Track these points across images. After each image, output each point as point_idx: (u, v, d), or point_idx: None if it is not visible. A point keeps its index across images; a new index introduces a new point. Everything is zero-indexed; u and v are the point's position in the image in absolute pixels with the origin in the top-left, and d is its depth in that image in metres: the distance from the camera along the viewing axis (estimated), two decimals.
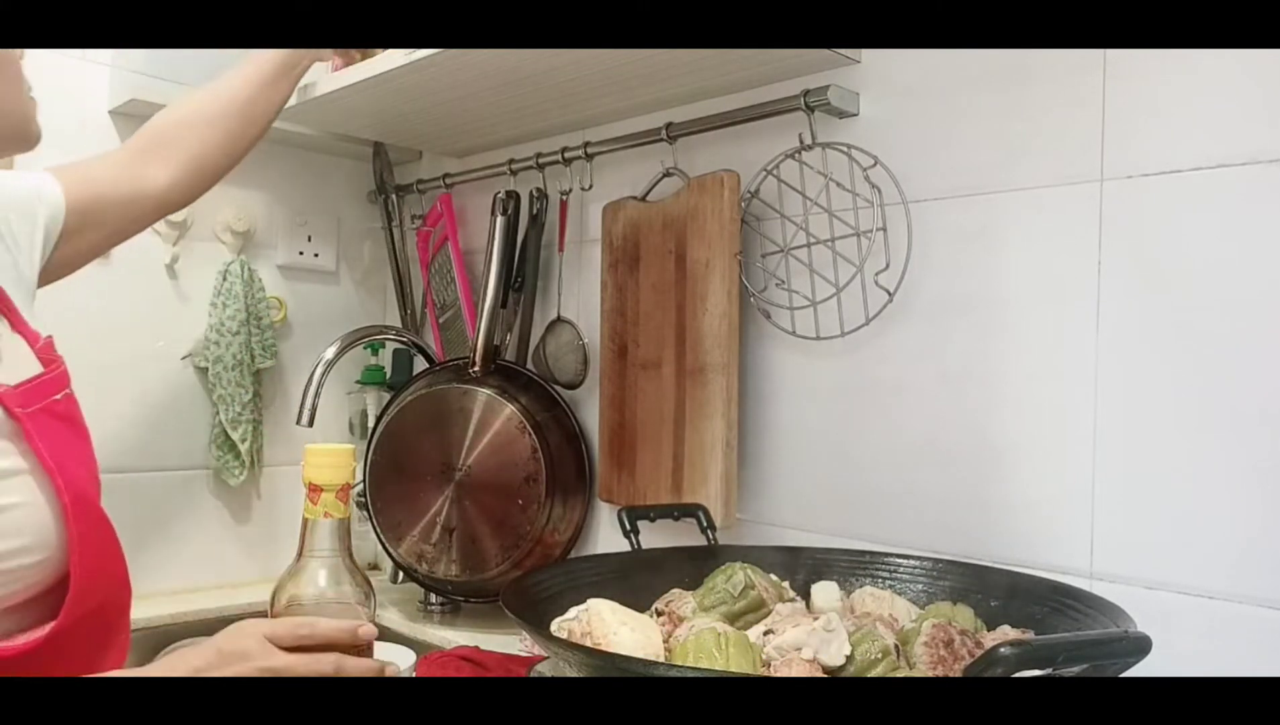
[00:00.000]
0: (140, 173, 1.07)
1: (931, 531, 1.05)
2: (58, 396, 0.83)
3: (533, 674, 1.07)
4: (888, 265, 1.07)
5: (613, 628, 0.79)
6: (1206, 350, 0.88)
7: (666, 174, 1.27)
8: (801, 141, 1.12)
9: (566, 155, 1.38)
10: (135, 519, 1.49)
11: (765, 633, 0.81)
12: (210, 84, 1.16)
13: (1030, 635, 0.82)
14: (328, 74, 1.38)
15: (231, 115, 1.14)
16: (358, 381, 1.69)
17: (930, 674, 0.76)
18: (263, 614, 0.79)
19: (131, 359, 1.49)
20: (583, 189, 1.40)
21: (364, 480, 1.45)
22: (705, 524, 1.08)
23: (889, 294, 1.06)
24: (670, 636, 0.83)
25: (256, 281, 1.58)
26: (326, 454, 0.78)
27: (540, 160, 1.42)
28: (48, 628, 0.74)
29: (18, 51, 0.83)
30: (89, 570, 0.75)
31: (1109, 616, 0.78)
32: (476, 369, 1.39)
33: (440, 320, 1.64)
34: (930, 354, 1.07)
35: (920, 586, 0.96)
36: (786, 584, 0.96)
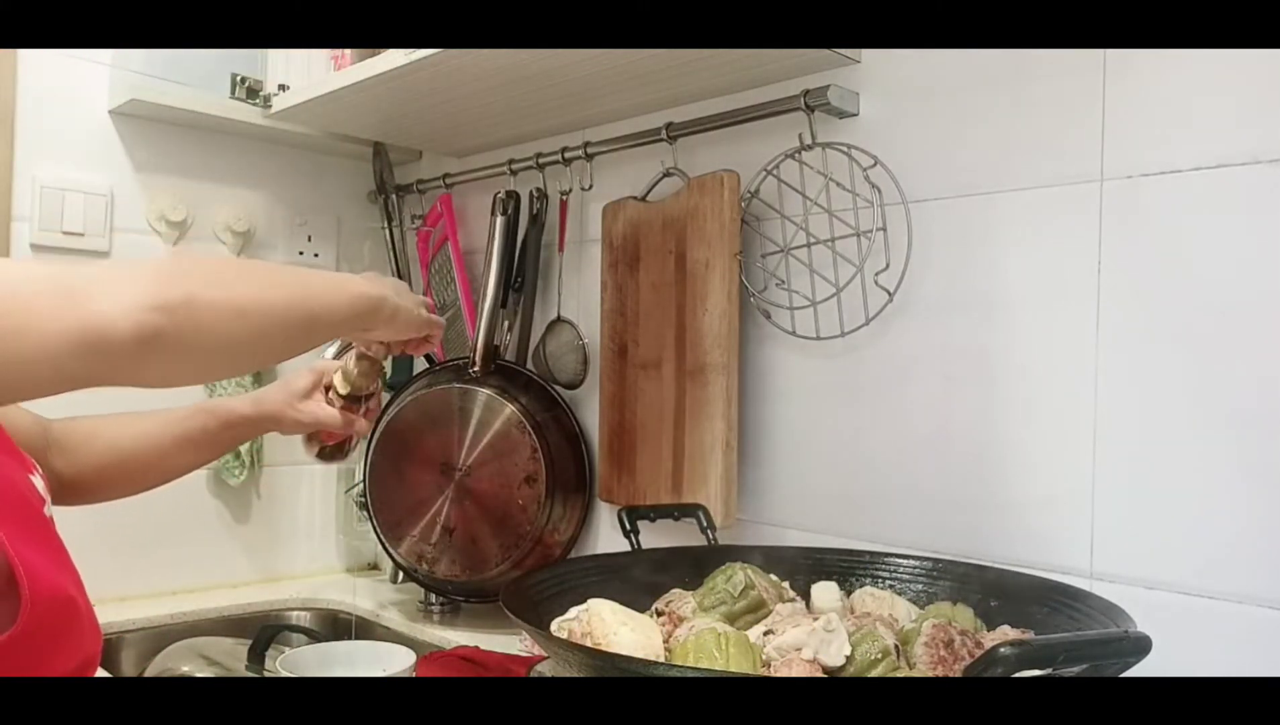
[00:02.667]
0: (40, 450, 0.95)
1: (931, 531, 1.05)
2: None
3: (533, 674, 1.07)
4: (888, 265, 1.07)
5: (613, 628, 0.79)
6: (1206, 350, 0.88)
7: (666, 174, 1.27)
8: (801, 141, 1.12)
9: (566, 155, 1.38)
10: (135, 519, 1.49)
11: (765, 633, 0.81)
12: (141, 414, 1.04)
13: (1030, 635, 0.82)
14: (328, 73, 1.39)
15: (132, 451, 1.01)
16: None
17: (930, 674, 0.76)
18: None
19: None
20: (583, 189, 1.40)
21: (364, 480, 1.45)
22: (705, 524, 1.08)
23: (889, 294, 1.06)
24: (670, 637, 0.83)
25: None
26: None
27: (540, 160, 1.42)
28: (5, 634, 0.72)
29: None
30: (27, 561, 0.73)
31: (1109, 616, 0.78)
32: (476, 369, 1.39)
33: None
34: (930, 354, 1.07)
35: (920, 586, 0.96)
36: (786, 584, 0.96)
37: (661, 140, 1.26)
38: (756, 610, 0.87)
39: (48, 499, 0.80)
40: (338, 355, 1.30)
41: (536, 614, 0.84)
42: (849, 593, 0.96)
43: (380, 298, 0.82)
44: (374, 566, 1.75)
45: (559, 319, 1.44)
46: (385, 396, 1.60)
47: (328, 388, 1.03)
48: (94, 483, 0.99)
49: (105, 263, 0.61)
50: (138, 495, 1.04)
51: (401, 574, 1.51)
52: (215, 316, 0.64)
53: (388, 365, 1.70)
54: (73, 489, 0.97)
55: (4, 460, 0.77)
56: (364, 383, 1.00)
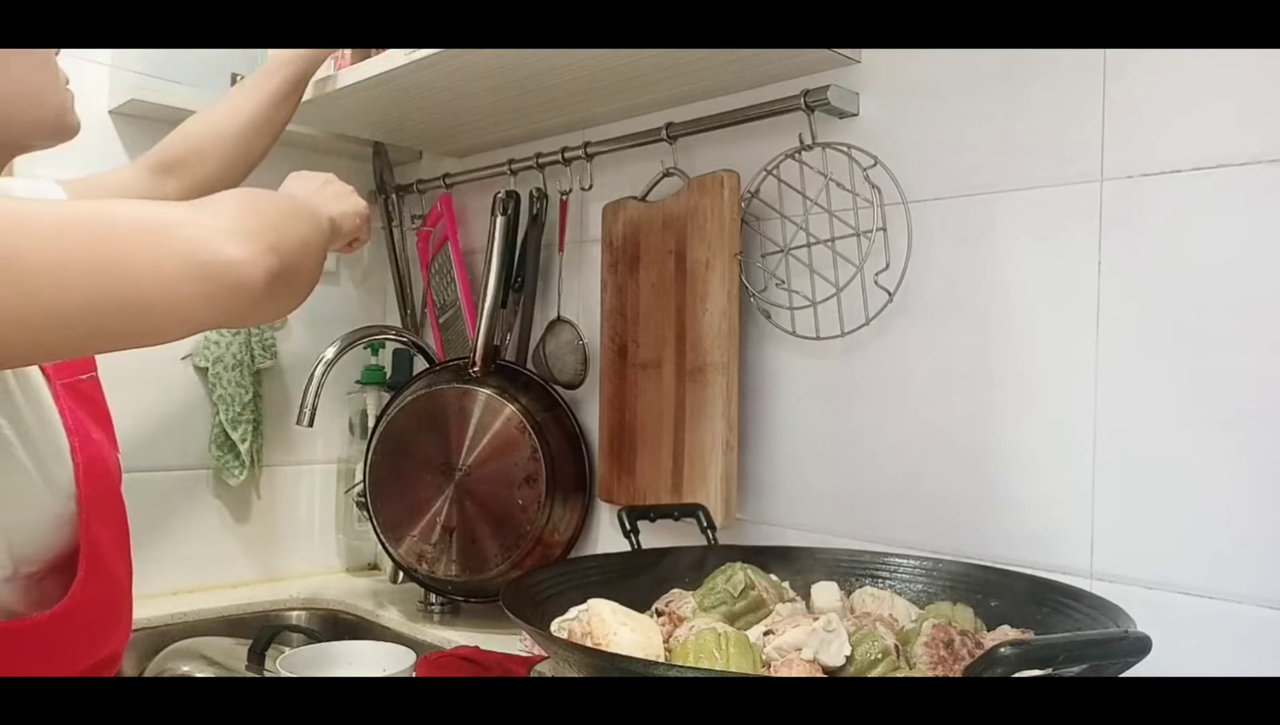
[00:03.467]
0: (152, 190, 1.09)
1: (931, 531, 1.05)
2: (84, 377, 0.84)
3: (533, 674, 1.08)
4: (888, 265, 1.07)
5: (613, 628, 0.79)
6: (1206, 350, 0.88)
7: (666, 174, 1.27)
8: (801, 141, 1.12)
9: (566, 155, 1.38)
10: (135, 519, 1.48)
11: (765, 633, 0.81)
12: (222, 102, 1.21)
13: (1030, 635, 0.82)
14: (328, 73, 1.38)
15: (243, 135, 1.18)
16: (358, 381, 1.69)
17: (930, 674, 0.76)
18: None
19: (131, 359, 1.48)
20: (583, 189, 1.41)
21: (364, 480, 1.45)
22: (705, 524, 1.08)
23: (889, 294, 1.06)
24: (670, 636, 0.83)
25: None
26: None
27: (540, 160, 1.42)
28: (60, 604, 0.73)
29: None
30: (96, 540, 0.75)
31: (1109, 616, 0.78)
32: (476, 369, 1.39)
33: (440, 320, 1.64)
34: (930, 354, 1.07)
35: (920, 586, 0.96)
36: (786, 584, 0.96)
37: (661, 140, 1.26)
38: (756, 610, 0.87)
39: (121, 477, 0.84)
40: (337, 355, 1.31)
41: (536, 614, 0.84)
42: (849, 593, 0.96)
43: (337, 220, 0.94)
44: (374, 566, 1.75)
45: (559, 319, 1.44)
46: (385, 396, 1.60)
47: None
48: (228, 176, 1.18)
49: (200, 203, 0.60)
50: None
51: (401, 574, 1.51)
52: (295, 253, 0.66)
53: (388, 366, 1.70)
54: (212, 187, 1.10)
55: (100, 438, 0.80)
56: None
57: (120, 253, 0.56)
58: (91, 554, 0.73)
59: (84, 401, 0.83)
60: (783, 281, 1.17)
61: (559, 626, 0.84)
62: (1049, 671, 0.59)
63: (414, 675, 1.17)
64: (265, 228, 0.62)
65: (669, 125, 1.25)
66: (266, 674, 1.31)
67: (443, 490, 1.37)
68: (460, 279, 1.58)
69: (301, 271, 0.67)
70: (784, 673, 0.74)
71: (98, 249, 0.56)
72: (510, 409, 1.35)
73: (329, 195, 0.99)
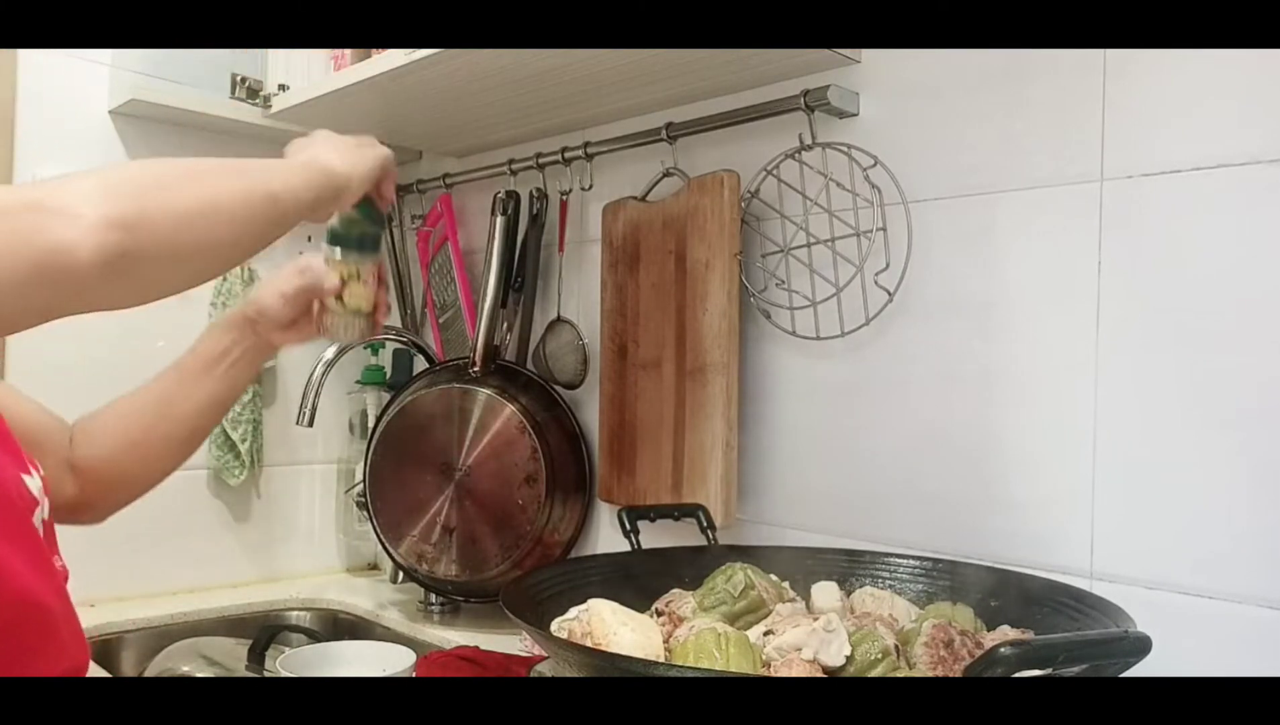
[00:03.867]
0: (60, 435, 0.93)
1: (931, 531, 1.05)
2: None
3: (533, 674, 1.07)
4: (888, 265, 1.07)
5: (613, 628, 0.79)
6: (1206, 350, 0.88)
7: (666, 174, 1.27)
8: (801, 141, 1.12)
9: (566, 155, 1.38)
10: (135, 519, 1.48)
11: (765, 633, 0.81)
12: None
13: (1030, 635, 0.82)
14: (328, 73, 1.38)
15: (145, 411, 0.96)
16: (358, 381, 1.69)
17: (930, 674, 0.76)
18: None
19: (131, 360, 1.49)
20: (583, 189, 1.40)
21: (364, 480, 1.45)
22: (705, 524, 1.08)
23: (889, 294, 1.06)
24: (670, 637, 0.83)
25: (256, 281, 1.58)
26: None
27: (540, 160, 1.42)
28: None
29: None
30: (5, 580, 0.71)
31: (1109, 616, 0.78)
32: (476, 369, 1.39)
33: (440, 320, 1.64)
34: (930, 354, 1.07)
35: (920, 586, 0.96)
36: (786, 584, 0.96)
37: (661, 140, 1.26)
38: (756, 610, 0.87)
39: (42, 503, 0.78)
40: (338, 355, 1.29)
41: (536, 614, 0.84)
42: (849, 593, 0.96)
43: (326, 165, 0.80)
44: (374, 566, 1.75)
45: (559, 319, 1.44)
46: (385, 396, 1.60)
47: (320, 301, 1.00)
48: (121, 462, 0.94)
49: (54, 180, 0.56)
50: (148, 488, 1.02)
51: (401, 574, 1.51)
52: (176, 222, 0.60)
53: (388, 366, 1.70)
54: (107, 484, 0.94)
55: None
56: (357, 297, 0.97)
57: None
58: (22, 613, 0.68)
59: None
60: (783, 281, 1.17)
61: (559, 626, 0.84)
62: (1049, 671, 0.59)
63: (414, 675, 1.17)
64: (121, 199, 0.57)
65: (669, 125, 1.25)
66: (266, 674, 1.31)
67: (443, 490, 1.37)
68: (460, 279, 1.58)
69: (180, 241, 0.61)
70: (784, 673, 0.74)
71: None
72: (510, 409, 1.35)
73: (337, 146, 0.87)
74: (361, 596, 1.57)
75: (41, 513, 0.78)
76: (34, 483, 0.77)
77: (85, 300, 0.58)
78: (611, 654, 0.74)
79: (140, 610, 1.43)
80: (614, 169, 1.38)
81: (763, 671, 0.75)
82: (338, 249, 0.96)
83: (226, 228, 0.66)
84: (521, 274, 1.45)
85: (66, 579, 0.78)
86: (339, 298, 0.95)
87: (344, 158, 0.84)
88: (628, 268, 1.29)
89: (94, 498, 0.93)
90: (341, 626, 1.54)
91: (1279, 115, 0.84)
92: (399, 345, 1.68)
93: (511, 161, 1.46)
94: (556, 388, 1.43)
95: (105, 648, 1.36)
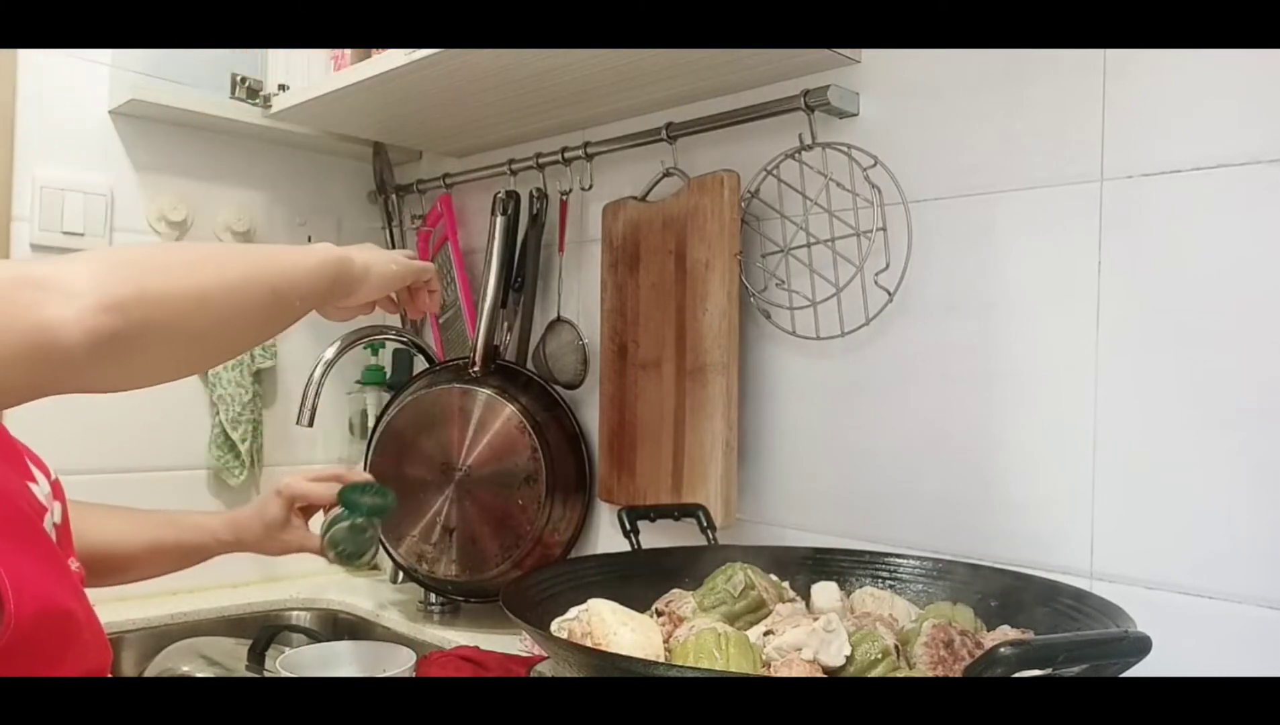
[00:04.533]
0: None
1: (931, 531, 1.05)
2: None
3: (533, 674, 1.07)
4: (888, 265, 1.07)
5: (613, 628, 0.79)
6: (1206, 350, 0.88)
7: (666, 174, 1.27)
8: (801, 141, 1.12)
9: (566, 155, 1.38)
10: None
11: (765, 633, 0.81)
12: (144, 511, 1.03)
13: (1030, 635, 0.82)
14: (328, 73, 1.38)
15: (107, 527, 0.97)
16: (358, 381, 1.69)
17: (930, 674, 0.76)
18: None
19: None
20: (583, 189, 1.41)
21: None
22: (705, 524, 1.08)
23: (889, 294, 1.06)
24: (670, 637, 0.83)
25: None
26: None
27: (540, 160, 1.42)
28: None
29: None
30: (24, 589, 0.71)
31: (1109, 616, 0.78)
32: (476, 369, 1.39)
33: (440, 320, 1.64)
34: (930, 354, 1.07)
35: (920, 586, 0.96)
36: (786, 584, 0.96)
37: (661, 140, 1.26)
38: (756, 610, 0.87)
39: (52, 507, 0.78)
40: (338, 355, 1.30)
41: (536, 614, 0.84)
42: (849, 593, 0.96)
43: (344, 257, 0.78)
44: (374, 566, 1.75)
45: (559, 319, 1.44)
46: (385, 396, 1.60)
47: (304, 508, 1.05)
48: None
49: (54, 258, 0.55)
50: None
51: (401, 574, 1.51)
52: (174, 308, 0.59)
53: (388, 366, 1.70)
54: None
55: (1, 469, 0.76)
56: (351, 543, 1.02)
57: None
58: (18, 587, 0.69)
59: None
60: (783, 281, 1.17)
61: (559, 626, 0.84)
62: (1049, 671, 0.59)
63: (414, 675, 1.17)
64: (119, 281, 0.56)
65: (669, 125, 1.25)
66: (266, 674, 1.31)
67: (443, 490, 1.37)
68: (460, 279, 1.58)
69: (176, 327, 0.60)
70: (784, 673, 0.74)
71: None
72: (510, 409, 1.35)
73: (364, 247, 0.85)
74: (361, 596, 1.57)
75: (52, 517, 0.78)
76: (41, 489, 0.77)
77: (75, 381, 0.56)
78: (611, 654, 0.74)
79: (140, 610, 1.43)
80: (614, 169, 1.38)
81: (763, 671, 0.75)
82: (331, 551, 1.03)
83: (223, 318, 0.65)
84: (521, 274, 1.45)
85: (83, 581, 0.78)
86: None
87: (367, 255, 0.83)
88: (628, 268, 1.29)
89: None
90: (341, 626, 1.54)
91: (1279, 115, 0.84)
92: (399, 345, 1.68)
93: (511, 161, 1.46)
94: (556, 388, 1.43)
95: None
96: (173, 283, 0.60)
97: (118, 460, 1.46)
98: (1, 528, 0.70)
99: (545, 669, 1.09)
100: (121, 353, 0.56)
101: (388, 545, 1.43)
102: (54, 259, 0.57)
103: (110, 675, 0.79)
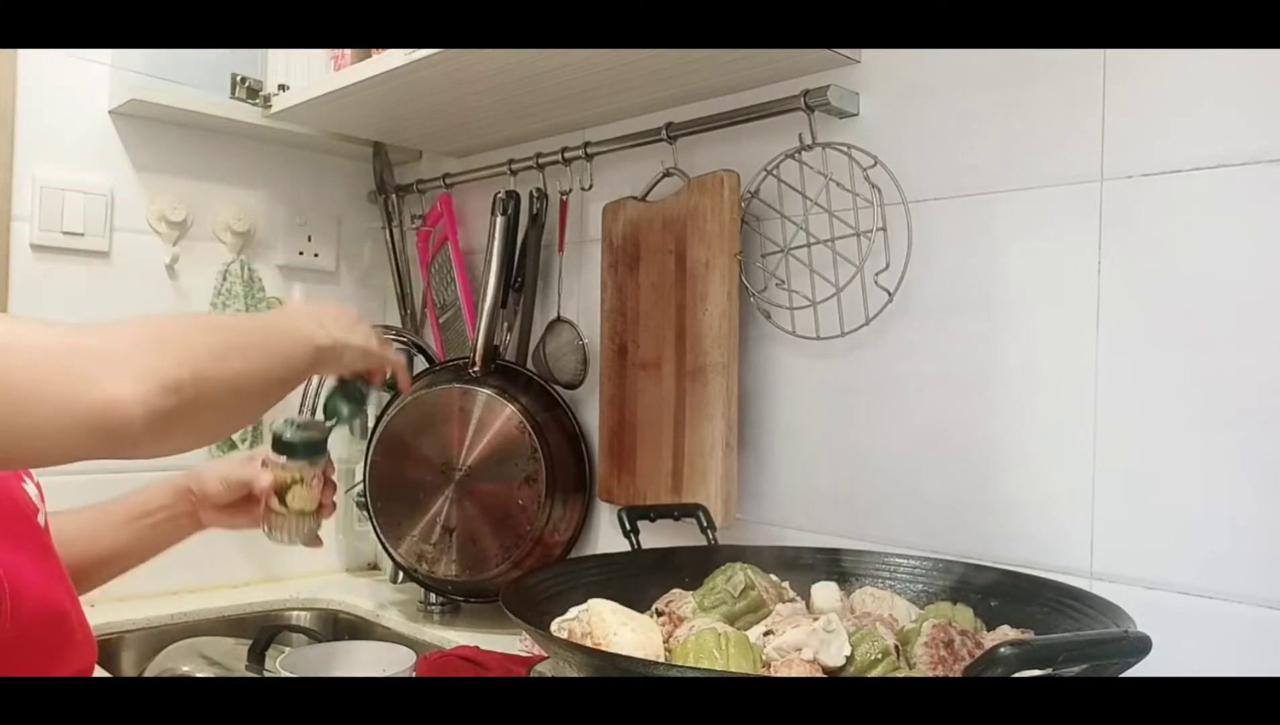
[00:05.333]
0: None
1: (932, 531, 1.05)
2: None
3: (533, 674, 1.07)
4: (888, 265, 1.07)
5: (613, 628, 0.79)
6: (1206, 350, 0.88)
7: (666, 174, 1.27)
8: (801, 141, 1.12)
9: (566, 155, 1.38)
10: None
11: (765, 633, 0.81)
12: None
13: (1030, 635, 0.82)
14: (328, 73, 1.38)
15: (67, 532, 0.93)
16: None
17: (930, 674, 0.76)
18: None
19: None
20: (583, 189, 1.40)
21: (364, 480, 1.45)
22: (705, 524, 1.08)
23: (889, 294, 1.06)
24: (670, 637, 0.83)
25: (256, 281, 1.58)
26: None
27: (540, 160, 1.42)
28: None
29: None
30: (21, 587, 0.71)
31: (1109, 616, 0.78)
32: (476, 369, 1.39)
33: (440, 320, 1.64)
34: (930, 354, 1.07)
35: (920, 586, 0.96)
36: (786, 584, 0.96)
37: (661, 140, 1.26)
38: (756, 610, 0.87)
39: (42, 507, 0.79)
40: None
41: (536, 614, 0.84)
42: (849, 593, 0.96)
43: (330, 347, 0.80)
44: (374, 566, 1.75)
45: (559, 319, 1.44)
46: (385, 397, 1.60)
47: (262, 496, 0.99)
48: None
49: (99, 328, 0.59)
50: None
51: (401, 574, 1.51)
52: (216, 394, 0.63)
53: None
54: None
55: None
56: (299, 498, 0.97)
57: (14, 381, 0.54)
58: (16, 586, 0.69)
59: None
60: (783, 281, 1.17)
61: (559, 626, 0.84)
62: (1049, 671, 0.59)
63: (414, 675, 1.17)
64: (167, 362, 0.59)
65: (669, 125, 1.25)
66: (266, 674, 1.31)
67: (443, 490, 1.37)
68: (460, 279, 1.58)
69: (216, 410, 0.64)
70: (784, 673, 0.74)
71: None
72: (510, 409, 1.35)
73: (333, 319, 0.86)
74: (361, 596, 1.57)
75: (42, 517, 0.78)
76: (31, 488, 0.78)
77: (128, 452, 0.59)
78: (611, 654, 0.74)
79: (140, 610, 1.43)
80: (614, 169, 1.38)
81: (763, 671, 0.75)
82: (283, 457, 0.95)
83: (250, 404, 0.70)
84: (521, 274, 1.45)
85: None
86: (281, 498, 0.95)
87: (346, 337, 0.84)
88: (628, 268, 1.29)
89: None
90: (341, 626, 1.54)
91: (1279, 115, 0.84)
92: (399, 345, 1.67)
93: (511, 161, 1.46)
94: (556, 388, 1.43)
95: (105, 648, 1.36)
96: (219, 371, 0.64)
97: (118, 460, 1.46)
98: (1, 526, 0.70)
99: (545, 669, 1.09)
100: (171, 429, 0.60)
101: (388, 545, 1.43)
102: (96, 328, 0.59)
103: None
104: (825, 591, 0.95)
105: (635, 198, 1.30)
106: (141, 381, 0.57)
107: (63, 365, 0.56)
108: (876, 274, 1.07)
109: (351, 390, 0.99)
